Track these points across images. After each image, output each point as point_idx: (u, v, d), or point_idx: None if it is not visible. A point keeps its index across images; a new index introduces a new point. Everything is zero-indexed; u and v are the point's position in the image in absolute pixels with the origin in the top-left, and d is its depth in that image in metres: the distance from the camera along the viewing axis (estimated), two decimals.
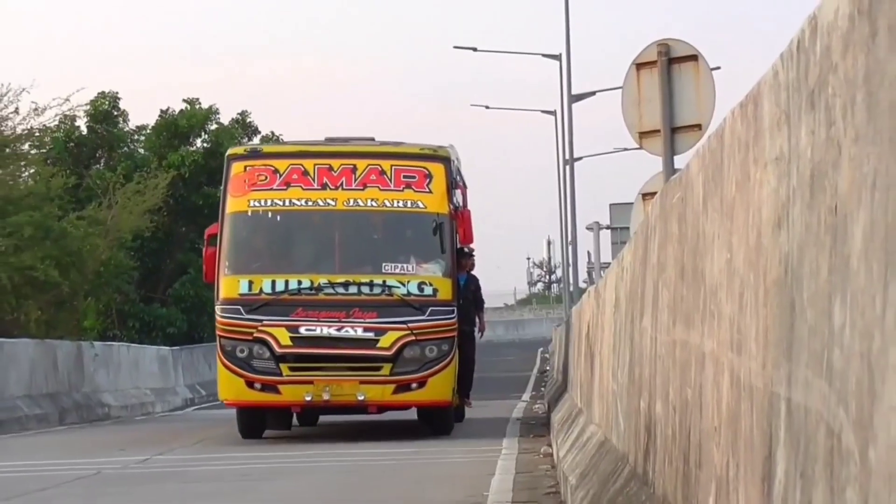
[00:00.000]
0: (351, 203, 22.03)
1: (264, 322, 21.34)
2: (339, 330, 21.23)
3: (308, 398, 21.22)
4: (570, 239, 53.02)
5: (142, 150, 55.77)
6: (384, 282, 21.75)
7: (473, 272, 26.94)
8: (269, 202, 22.17)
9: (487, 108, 76.12)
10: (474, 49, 60.33)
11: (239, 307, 21.61)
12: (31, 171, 42.98)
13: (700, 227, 5.89)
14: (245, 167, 22.48)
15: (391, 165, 22.11)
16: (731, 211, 5.01)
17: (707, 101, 14.32)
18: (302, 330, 21.27)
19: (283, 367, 21.20)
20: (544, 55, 54.06)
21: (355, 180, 22.04)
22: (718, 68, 15.44)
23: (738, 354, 4.80)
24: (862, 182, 3.09)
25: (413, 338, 21.29)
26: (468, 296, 23.99)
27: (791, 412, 3.86)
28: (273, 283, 21.75)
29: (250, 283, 21.78)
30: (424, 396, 21.72)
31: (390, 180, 22.00)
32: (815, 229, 3.59)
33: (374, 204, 22.01)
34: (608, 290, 12.46)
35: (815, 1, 3.68)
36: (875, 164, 2.99)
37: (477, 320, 25.90)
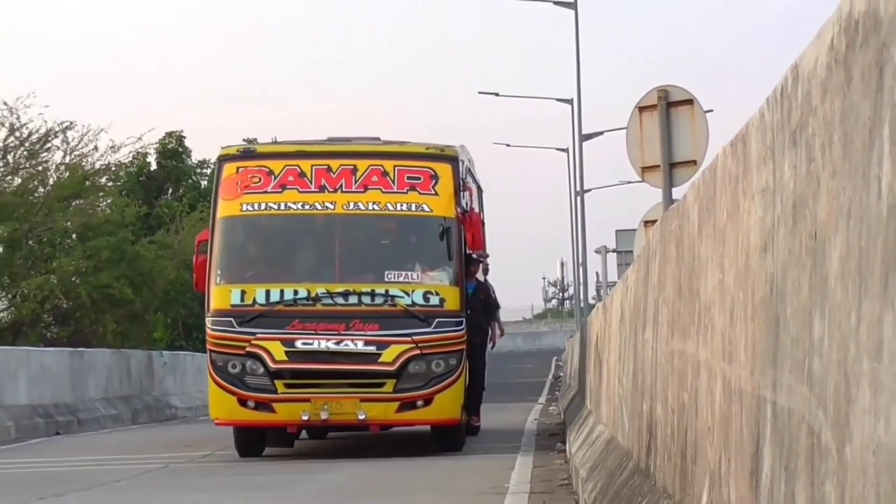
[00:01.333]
0: (351, 206, 17.97)
1: (258, 335, 17.40)
2: (338, 343, 17.29)
3: (305, 417, 17.35)
4: (580, 261, 52.74)
5: (204, 182, 55.37)
6: (387, 291, 17.73)
7: (487, 278, 22.78)
8: (262, 206, 18.19)
9: (508, 146, 76.06)
10: (496, 94, 60.19)
11: (230, 319, 17.61)
12: (108, 201, 43.19)
13: (695, 250, 5.88)
14: (237, 168, 18.40)
15: (394, 166, 18.09)
16: (722, 236, 5.00)
17: (701, 139, 14.23)
18: (298, 344, 17.35)
19: (279, 383, 17.29)
20: (558, 99, 53.68)
21: (356, 182, 18.03)
22: (711, 111, 15.54)
23: (729, 363, 4.79)
24: (839, 211, 3.10)
25: (418, 351, 17.33)
26: (477, 305, 19.21)
27: (776, 414, 3.86)
28: (267, 293, 17.76)
29: (243, 293, 17.76)
30: (431, 415, 17.79)
31: (393, 182, 18.01)
32: (796, 253, 3.60)
33: (375, 207, 17.99)
34: (614, 306, 12.39)
35: (797, 51, 3.70)
36: (850, 195, 2.99)
37: (490, 330, 21.01)
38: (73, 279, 39.36)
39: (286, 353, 17.43)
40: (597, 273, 62.37)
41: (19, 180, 41.93)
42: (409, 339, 17.45)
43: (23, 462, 19.84)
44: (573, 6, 41.07)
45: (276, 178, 18.13)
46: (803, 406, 3.46)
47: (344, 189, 18.13)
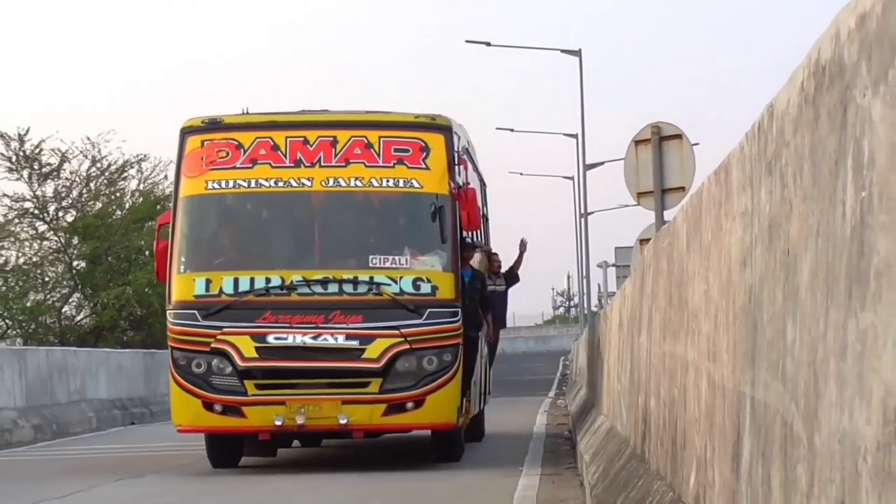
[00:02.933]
0: (331, 183, 13.84)
1: (224, 329, 13.38)
2: (315, 338, 13.21)
3: (278, 422, 13.27)
4: (584, 274, 53.00)
5: None
6: (371, 278, 13.55)
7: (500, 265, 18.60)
8: (230, 183, 14.04)
9: (521, 174, 76.68)
10: (511, 129, 60.43)
11: (194, 312, 13.63)
12: None
13: (684, 265, 5.87)
14: (202, 142, 14.20)
15: (379, 137, 13.93)
16: (707, 253, 4.99)
17: (689, 168, 14.25)
18: (270, 339, 13.30)
19: (249, 384, 13.29)
20: (565, 134, 53.33)
21: (336, 155, 13.87)
22: (697, 144, 15.41)
23: (713, 362, 4.79)
24: (808, 231, 3.10)
25: (407, 346, 13.27)
26: (474, 295, 14.68)
27: (754, 407, 3.86)
28: (235, 281, 13.64)
29: (208, 281, 13.69)
30: (422, 419, 13.58)
31: (378, 155, 13.87)
32: (772, 267, 3.60)
33: (358, 184, 13.84)
34: (614, 313, 12.40)
35: (773, 93, 3.69)
36: (818, 217, 2.99)
37: (487, 323, 16.53)
38: (146, 290, 39.44)
39: (256, 349, 13.42)
40: (598, 284, 62.56)
41: (100, 205, 42.89)
42: (396, 332, 13.39)
43: (103, 448, 19.71)
44: (578, 54, 41.26)
45: (245, 152, 14.08)
46: (778, 400, 3.47)
47: (322, 163, 14.05)
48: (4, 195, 40.77)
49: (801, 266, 3.17)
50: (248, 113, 14.96)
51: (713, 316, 4.79)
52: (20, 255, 42.16)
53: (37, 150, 41.06)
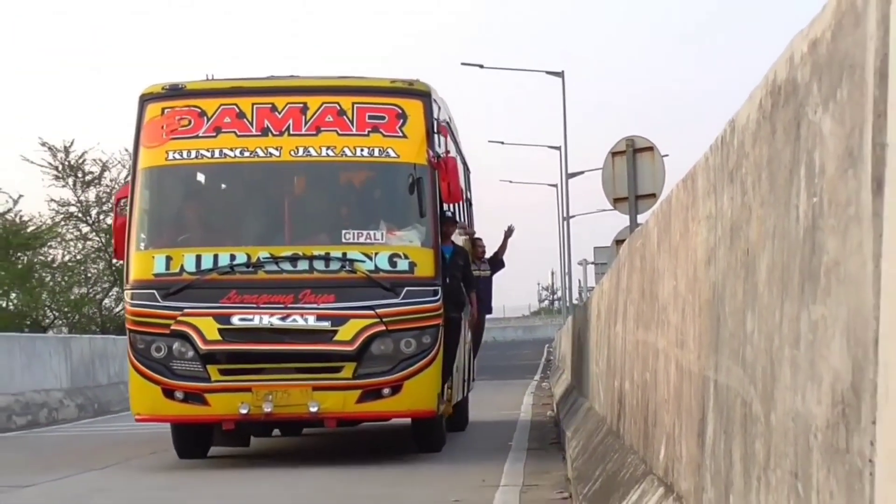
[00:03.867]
0: (300, 152, 11.37)
1: (185, 310, 10.96)
2: (284, 319, 10.79)
3: (244, 411, 10.87)
4: (567, 271, 52.84)
5: None
6: (344, 255, 11.08)
7: (483, 247, 16.02)
8: (192, 153, 11.44)
9: (511, 182, 77.03)
10: (502, 142, 60.16)
11: (153, 291, 11.13)
12: None
13: (655, 263, 5.86)
14: (163, 110, 11.66)
15: (353, 103, 11.46)
16: (676, 252, 4.98)
17: (659, 177, 14.23)
18: (235, 320, 10.86)
19: (212, 369, 10.89)
20: (550, 146, 53.00)
21: (306, 123, 11.41)
22: (667, 155, 15.41)
23: (681, 349, 4.77)
24: (766, 233, 3.10)
25: (383, 327, 10.85)
26: (456, 273, 12.21)
27: (717, 389, 3.85)
28: (198, 258, 11.15)
29: (168, 259, 11.18)
30: (400, 406, 11.14)
31: (351, 122, 11.40)
32: (733, 265, 3.59)
33: (330, 153, 11.33)
34: (593, 306, 12.30)
35: (735, 109, 3.69)
36: (774, 221, 2.99)
37: (470, 303, 13.86)
38: None
39: (220, 331, 10.98)
40: (579, 280, 62.67)
41: None
42: (371, 312, 10.94)
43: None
44: (560, 75, 41.10)
45: (209, 119, 11.54)
46: (738, 383, 3.46)
47: (292, 132, 11.52)
48: (52, 200, 40.93)
49: (759, 264, 3.17)
50: (212, 79, 12.43)
51: (681, 308, 4.77)
52: (66, 253, 42.32)
53: (80, 161, 41.02)
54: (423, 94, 11.77)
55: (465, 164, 16.22)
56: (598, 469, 7.55)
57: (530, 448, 12.54)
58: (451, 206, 12.77)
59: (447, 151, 12.42)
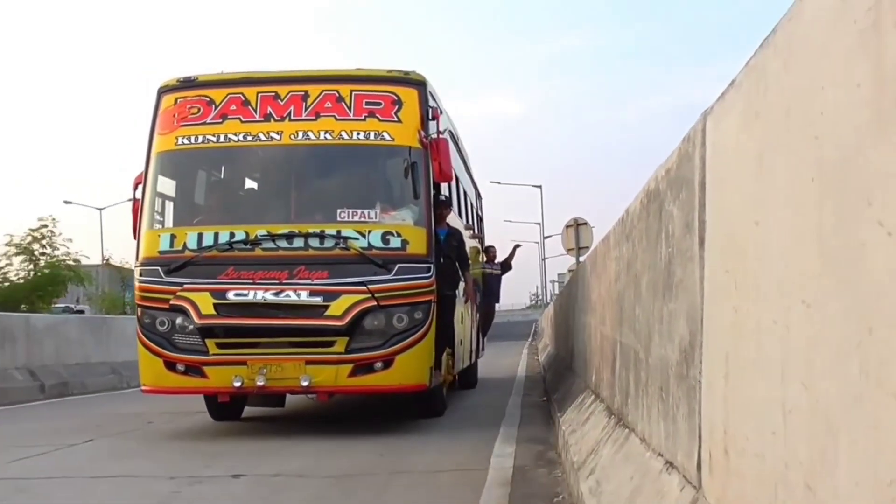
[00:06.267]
0: (300, 136, 8.55)
1: (185, 286, 8.13)
2: (277, 294, 7.90)
3: (237, 384, 7.90)
4: (544, 284, 58.96)
5: None
6: (338, 232, 8.12)
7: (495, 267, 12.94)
8: (199, 139, 8.73)
9: (506, 221, 70.51)
10: (499, 182, 54.04)
11: (157, 268, 8.36)
12: None
13: (589, 280, 6.18)
14: (176, 100, 8.87)
15: (351, 91, 8.61)
16: (599, 275, 5.29)
17: (590, 237, 16.69)
18: (230, 295, 7.94)
19: (210, 343, 8.03)
20: (533, 185, 49.96)
21: (306, 109, 8.66)
22: (595, 226, 18.13)
23: (602, 325, 5.06)
24: (644, 266, 3.34)
25: (374, 303, 7.87)
26: (450, 253, 8.91)
27: (621, 345, 4.08)
28: (199, 236, 8.34)
29: (172, 237, 8.39)
30: (391, 380, 7.91)
31: (349, 108, 8.64)
32: (629, 282, 3.83)
33: (328, 136, 8.51)
34: (558, 303, 13.71)
35: (629, 201, 4.03)
36: (650, 259, 3.24)
37: (465, 282, 9.42)
38: None
39: (215, 306, 8.06)
40: (551, 289, 65.62)
41: None
42: (363, 288, 7.95)
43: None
44: (539, 187, 44.97)
45: (216, 107, 8.85)
46: (632, 342, 3.68)
47: (292, 117, 8.72)
48: None
49: (642, 282, 3.39)
50: (224, 72, 9.32)
51: (602, 304, 5.05)
52: None
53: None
54: (418, 83, 8.55)
55: (474, 185, 12.46)
56: (562, 386, 7.93)
57: (527, 376, 13.59)
58: (447, 191, 9.31)
59: (439, 132, 8.81)
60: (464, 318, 9.53)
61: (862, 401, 1.36)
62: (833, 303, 1.49)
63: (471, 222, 11.36)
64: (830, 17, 1.49)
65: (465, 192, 9.72)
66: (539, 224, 55.83)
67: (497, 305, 14.84)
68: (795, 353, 1.66)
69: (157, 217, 8.54)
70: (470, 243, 10.11)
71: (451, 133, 8.68)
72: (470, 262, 8.83)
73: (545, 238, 49.05)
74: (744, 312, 2.00)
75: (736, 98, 2.07)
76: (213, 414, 8.69)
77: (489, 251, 14.65)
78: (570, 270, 20.41)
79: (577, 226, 17.46)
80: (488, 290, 13.08)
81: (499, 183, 47.17)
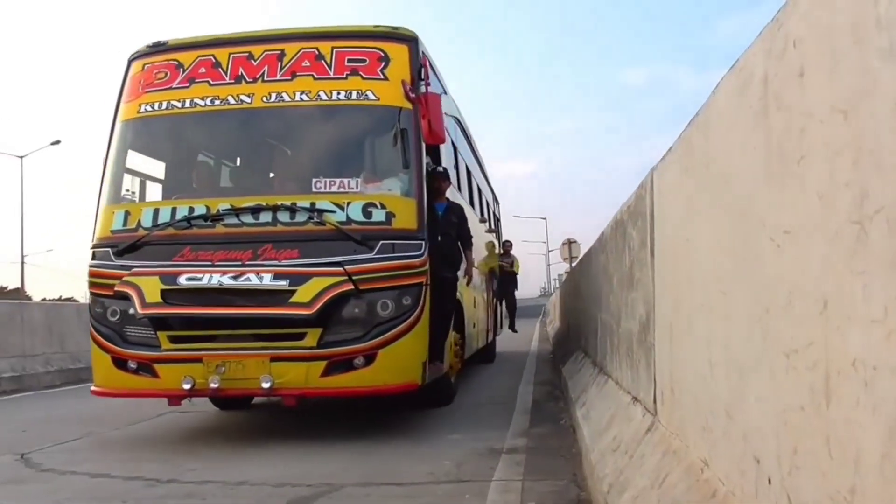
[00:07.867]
0: (273, 98, 3.16)
1: (134, 269, 2.96)
2: (236, 278, 2.81)
3: (186, 386, 2.84)
4: (550, 280, 52.47)
5: None
6: (312, 205, 2.98)
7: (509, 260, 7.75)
8: (164, 105, 3.39)
9: (517, 242, 69.01)
10: (516, 216, 47.48)
11: (108, 250, 3.14)
12: None
13: (578, 279, 5.95)
14: (144, 66, 3.57)
15: (332, 48, 3.15)
16: (588, 276, 5.09)
17: (580, 250, 15.63)
18: (182, 279, 2.88)
19: (162, 336, 2.95)
20: (539, 217, 49.10)
21: (281, 69, 3.20)
22: (581, 243, 15.29)
23: (590, 308, 4.84)
24: (615, 269, 3.19)
25: (351, 286, 2.84)
26: (449, 230, 3.51)
27: (602, 322, 3.89)
28: (155, 212, 3.18)
29: (126, 214, 3.21)
30: (375, 379, 2.80)
31: (329, 66, 3.15)
32: (606, 279, 3.68)
33: (304, 98, 3.13)
34: (560, 293, 12.95)
35: (603, 226, 3.79)
36: (617, 265, 3.08)
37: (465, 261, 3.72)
38: None
39: (163, 292, 3.16)
40: (555, 283, 64.64)
41: None
42: (339, 269, 3.05)
43: None
44: (545, 220, 42.06)
45: (184, 71, 3.74)
46: (608, 318, 3.51)
47: (266, 78, 3.58)
48: None
49: (614, 279, 3.27)
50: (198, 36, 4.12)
51: (592, 293, 4.87)
52: None
53: None
54: (408, 39, 3.99)
55: (490, 188, 8.41)
56: (563, 348, 7.67)
57: (540, 339, 13.15)
58: (463, 192, 5.51)
59: (428, 85, 4.04)
60: (476, 301, 5.92)
61: (762, 356, 1.37)
62: (740, 291, 1.48)
63: (487, 218, 7.91)
64: (734, 104, 1.51)
65: (479, 189, 6.62)
66: (545, 243, 54.33)
67: (517, 293, 10.59)
68: (716, 325, 1.64)
69: (119, 193, 4.57)
70: (487, 237, 7.36)
71: (457, 120, 5.51)
72: (473, 238, 4.83)
73: (548, 251, 45.75)
74: (681, 299, 1.98)
75: (673, 158, 2.08)
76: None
77: (506, 245, 10.81)
78: (566, 272, 21.27)
79: (570, 243, 17.59)
80: (506, 279, 9.21)
81: (516, 217, 43.18)
